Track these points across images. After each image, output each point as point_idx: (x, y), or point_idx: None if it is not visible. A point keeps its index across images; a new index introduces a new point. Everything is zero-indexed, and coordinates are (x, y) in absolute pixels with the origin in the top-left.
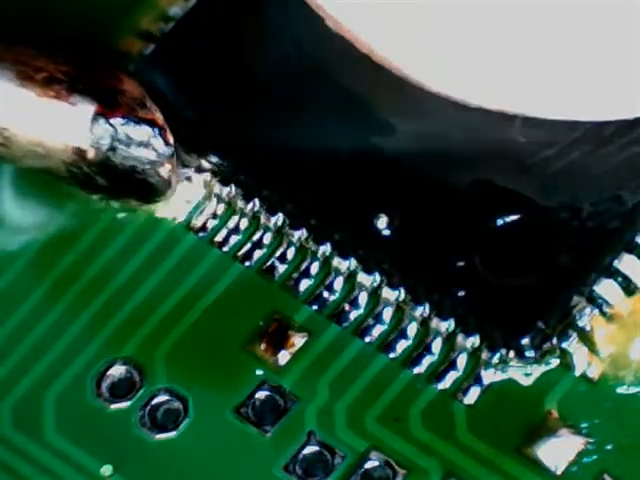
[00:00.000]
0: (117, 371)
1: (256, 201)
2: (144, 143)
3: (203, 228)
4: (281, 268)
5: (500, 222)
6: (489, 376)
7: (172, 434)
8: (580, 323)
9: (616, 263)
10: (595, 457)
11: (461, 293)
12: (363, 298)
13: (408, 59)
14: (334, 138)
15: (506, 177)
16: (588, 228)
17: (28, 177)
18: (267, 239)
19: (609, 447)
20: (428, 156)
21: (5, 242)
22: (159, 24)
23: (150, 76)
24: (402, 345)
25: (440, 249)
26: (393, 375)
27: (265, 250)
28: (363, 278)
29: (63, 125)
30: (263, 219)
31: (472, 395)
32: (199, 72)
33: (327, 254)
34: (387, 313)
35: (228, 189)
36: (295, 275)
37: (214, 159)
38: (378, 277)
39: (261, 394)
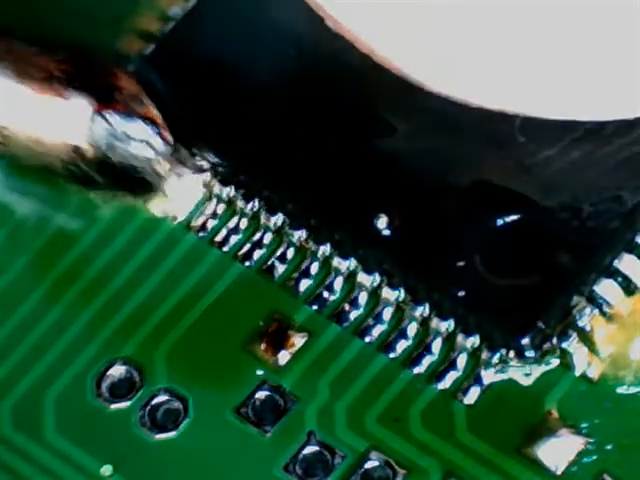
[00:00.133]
0: (117, 371)
1: (256, 201)
2: (142, 141)
3: (203, 228)
4: (281, 268)
5: (500, 222)
6: (489, 376)
7: (172, 434)
8: (580, 323)
9: (616, 263)
10: (595, 457)
11: (461, 293)
12: (363, 298)
13: (408, 59)
14: (334, 138)
15: (506, 177)
16: (588, 228)
17: (27, 175)
18: (267, 239)
19: (609, 447)
20: (428, 156)
21: (4, 240)
22: (159, 24)
23: (150, 76)
24: (402, 345)
25: (440, 249)
26: (393, 375)
27: (265, 250)
28: (363, 278)
29: (61, 123)
30: (263, 219)
31: (472, 395)
32: (199, 72)
33: (327, 254)
34: (387, 313)
35: (228, 189)
36: (295, 275)
37: (214, 159)
38: (378, 277)
39: (261, 394)
